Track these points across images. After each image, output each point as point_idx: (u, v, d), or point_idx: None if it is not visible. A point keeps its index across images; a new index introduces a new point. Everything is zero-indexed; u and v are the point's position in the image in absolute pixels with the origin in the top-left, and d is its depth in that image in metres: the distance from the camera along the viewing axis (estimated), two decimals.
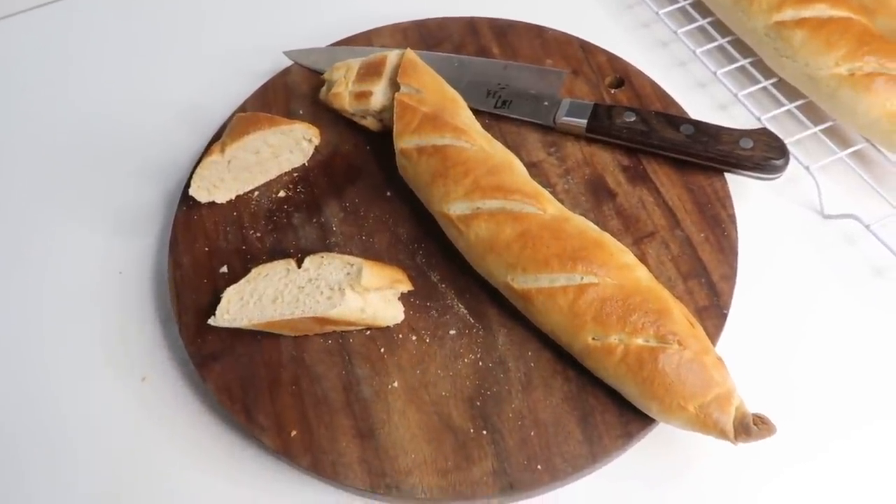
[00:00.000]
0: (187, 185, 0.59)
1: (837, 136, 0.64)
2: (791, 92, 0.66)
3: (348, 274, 0.51)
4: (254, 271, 0.53)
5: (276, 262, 0.53)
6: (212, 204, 0.60)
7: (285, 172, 0.63)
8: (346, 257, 0.53)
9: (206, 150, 0.61)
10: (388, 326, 0.54)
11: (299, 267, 0.53)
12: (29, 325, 0.59)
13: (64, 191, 0.66)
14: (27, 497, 0.52)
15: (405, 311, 0.54)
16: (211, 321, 0.51)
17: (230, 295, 0.52)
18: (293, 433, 0.50)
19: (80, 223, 0.64)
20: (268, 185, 0.62)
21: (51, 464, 0.53)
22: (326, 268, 0.52)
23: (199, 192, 0.59)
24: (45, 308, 0.60)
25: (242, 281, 0.53)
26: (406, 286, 0.53)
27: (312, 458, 0.49)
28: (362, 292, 0.51)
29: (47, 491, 0.52)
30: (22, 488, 0.52)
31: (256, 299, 0.51)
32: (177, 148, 0.68)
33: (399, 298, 0.54)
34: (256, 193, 0.62)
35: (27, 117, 0.72)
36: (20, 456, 0.53)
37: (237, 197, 0.61)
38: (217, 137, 0.63)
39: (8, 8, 0.79)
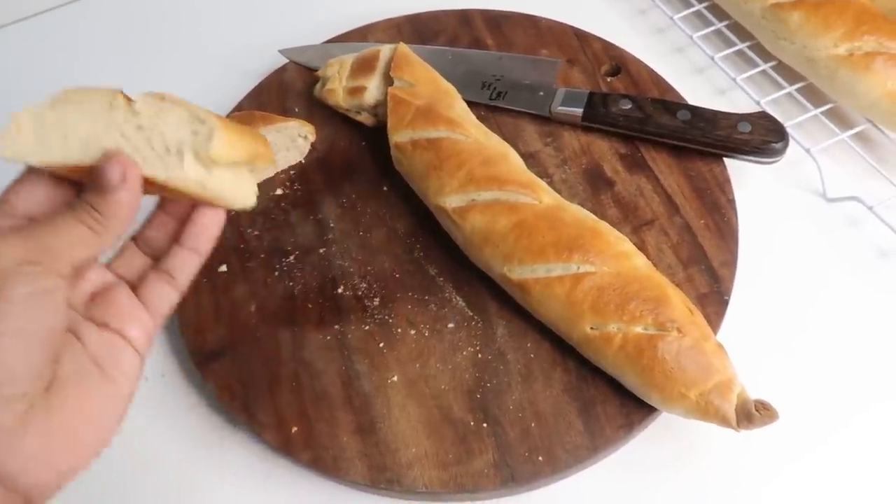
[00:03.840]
0: None
1: (838, 118, 0.63)
2: (790, 74, 0.65)
3: (195, 133, 0.38)
4: (63, 93, 0.38)
5: (95, 90, 0.38)
6: None
7: (282, 170, 0.63)
8: (195, 108, 0.38)
9: None
10: (387, 321, 0.53)
11: (128, 105, 0.38)
12: None
13: None
14: None
15: (405, 306, 0.54)
16: None
17: (22, 118, 0.38)
18: (294, 429, 0.50)
19: None
20: (265, 182, 0.62)
21: None
22: (166, 117, 0.38)
23: None
24: None
25: (45, 102, 0.38)
26: (267, 162, 0.42)
27: (313, 454, 0.49)
28: (209, 164, 0.38)
29: None
30: None
31: (62, 135, 0.38)
32: None
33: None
34: None
35: None
36: None
37: None
38: None
39: (6, 16, 0.79)
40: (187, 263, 0.41)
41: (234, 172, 0.40)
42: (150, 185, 0.38)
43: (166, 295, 0.41)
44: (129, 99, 0.38)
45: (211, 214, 0.41)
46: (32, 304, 0.34)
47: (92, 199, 0.37)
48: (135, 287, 0.41)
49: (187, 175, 0.38)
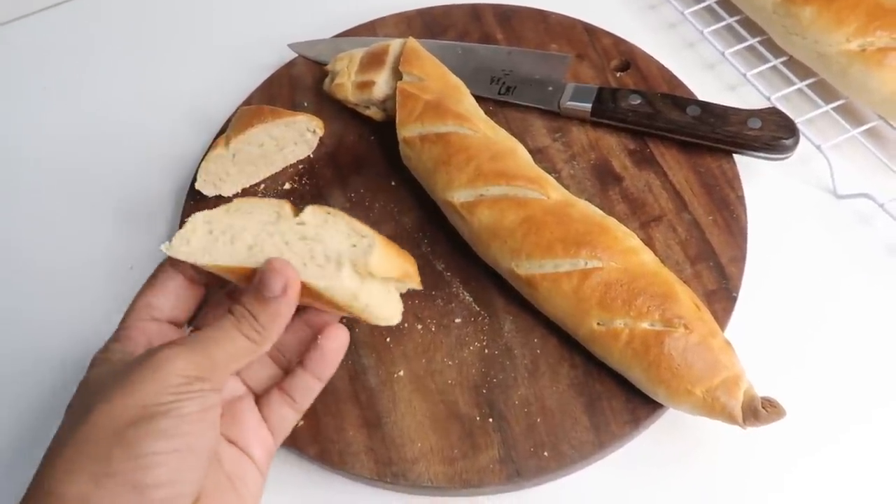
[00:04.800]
0: (194, 180, 0.60)
1: (850, 114, 0.63)
2: (802, 70, 0.65)
3: (354, 246, 0.40)
4: (236, 202, 0.42)
5: (265, 200, 0.42)
6: (219, 198, 0.61)
7: (290, 165, 0.63)
8: (357, 224, 0.41)
9: (212, 144, 0.61)
10: None
11: (295, 215, 0.42)
12: (42, 322, 0.60)
13: (74, 187, 0.67)
14: None
15: (411, 300, 0.54)
16: (164, 248, 0.40)
17: (197, 222, 0.41)
18: (300, 423, 0.50)
19: (91, 219, 0.65)
20: (273, 177, 0.62)
21: None
22: (329, 229, 0.41)
23: (206, 186, 0.60)
24: (58, 305, 0.61)
25: (220, 209, 0.42)
26: (415, 283, 0.44)
27: (320, 448, 0.49)
28: (364, 276, 0.40)
29: None
30: None
31: (229, 238, 0.40)
32: (184, 142, 0.68)
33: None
34: (262, 186, 0.62)
35: (37, 115, 0.72)
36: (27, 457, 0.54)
37: (243, 190, 0.62)
38: (223, 131, 0.63)
39: (15, 11, 0.80)
40: (309, 388, 0.42)
41: (384, 288, 0.42)
42: (303, 295, 0.40)
43: (287, 417, 0.42)
44: (296, 210, 0.41)
45: (335, 337, 0.42)
46: (200, 420, 0.35)
47: (252, 306, 0.38)
48: (258, 399, 0.42)
49: (343, 284, 0.39)
